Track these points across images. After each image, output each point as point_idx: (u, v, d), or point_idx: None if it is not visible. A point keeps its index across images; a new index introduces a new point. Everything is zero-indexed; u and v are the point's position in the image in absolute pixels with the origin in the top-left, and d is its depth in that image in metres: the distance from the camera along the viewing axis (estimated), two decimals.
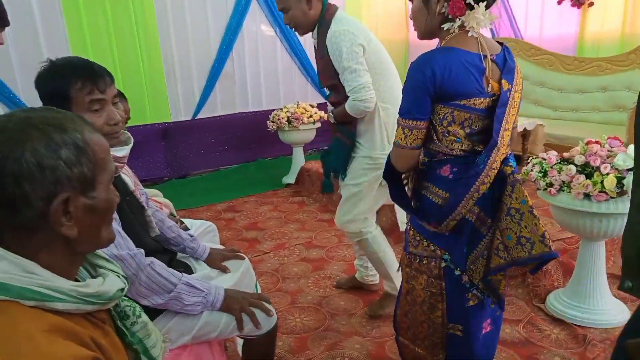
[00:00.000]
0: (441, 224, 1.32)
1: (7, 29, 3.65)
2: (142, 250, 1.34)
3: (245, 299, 1.41)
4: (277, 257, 3.01)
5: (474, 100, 1.24)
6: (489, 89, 1.25)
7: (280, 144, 4.66)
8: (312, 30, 2.02)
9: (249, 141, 5.06)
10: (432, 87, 1.22)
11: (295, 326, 2.25)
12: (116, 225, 1.30)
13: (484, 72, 1.24)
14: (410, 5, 1.37)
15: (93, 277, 0.82)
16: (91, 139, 0.74)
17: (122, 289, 0.81)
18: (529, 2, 4.49)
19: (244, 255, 1.79)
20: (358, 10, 5.44)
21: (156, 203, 2.05)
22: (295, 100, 4.56)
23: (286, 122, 4.29)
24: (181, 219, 2.07)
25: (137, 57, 4.20)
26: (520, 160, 3.59)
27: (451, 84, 1.22)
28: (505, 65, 1.28)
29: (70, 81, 1.20)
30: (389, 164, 1.41)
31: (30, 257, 0.70)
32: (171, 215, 2.13)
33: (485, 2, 1.22)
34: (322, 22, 1.97)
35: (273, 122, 4.35)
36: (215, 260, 1.70)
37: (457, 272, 1.37)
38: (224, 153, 4.88)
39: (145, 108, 4.32)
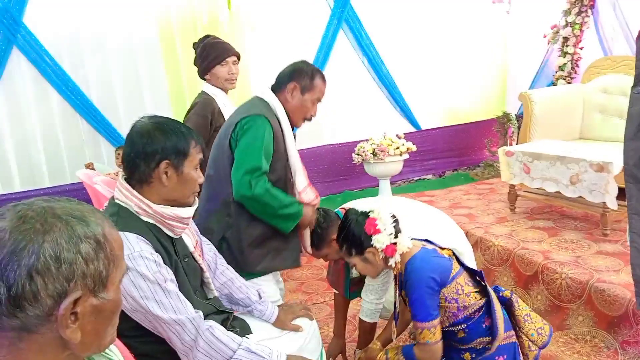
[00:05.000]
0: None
1: (114, 79, 4.02)
2: (201, 314, 1.33)
3: None
4: (356, 300, 2.89)
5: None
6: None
7: (366, 176, 4.56)
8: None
9: (335, 173, 5.03)
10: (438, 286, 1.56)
11: None
12: (174, 288, 1.30)
13: None
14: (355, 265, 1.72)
15: None
16: (111, 234, 0.69)
17: None
18: None
19: (313, 316, 1.72)
20: (448, 26, 5.20)
21: None
22: (382, 131, 4.44)
23: (371, 155, 4.20)
24: None
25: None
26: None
27: None
28: None
29: (190, 140, 1.33)
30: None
31: None
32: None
33: (401, 233, 1.60)
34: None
35: (358, 154, 4.29)
36: (285, 322, 1.62)
37: None
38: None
39: None
